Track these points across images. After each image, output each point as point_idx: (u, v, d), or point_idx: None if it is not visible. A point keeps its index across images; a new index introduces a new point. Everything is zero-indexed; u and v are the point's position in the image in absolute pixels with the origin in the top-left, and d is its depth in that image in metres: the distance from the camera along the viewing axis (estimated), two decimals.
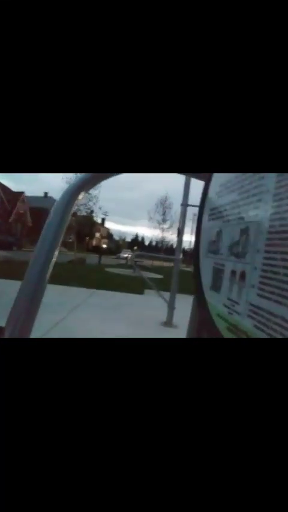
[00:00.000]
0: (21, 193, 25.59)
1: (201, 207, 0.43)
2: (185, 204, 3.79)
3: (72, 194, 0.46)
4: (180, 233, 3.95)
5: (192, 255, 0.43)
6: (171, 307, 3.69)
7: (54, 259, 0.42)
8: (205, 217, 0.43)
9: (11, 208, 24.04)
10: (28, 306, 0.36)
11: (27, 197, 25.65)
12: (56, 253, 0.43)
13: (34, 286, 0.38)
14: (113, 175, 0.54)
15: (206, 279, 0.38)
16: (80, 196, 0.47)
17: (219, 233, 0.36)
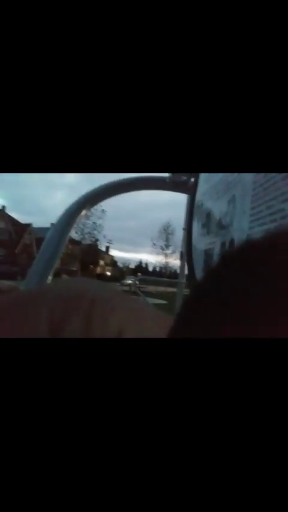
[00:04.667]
0: (29, 224, 26.34)
1: (190, 214, 0.46)
2: (187, 228, 3.82)
3: (70, 215, 0.47)
4: (183, 257, 3.93)
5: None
6: None
7: (48, 280, 0.44)
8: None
9: (18, 239, 24.60)
10: None
11: (34, 228, 26.31)
12: (50, 274, 0.46)
13: None
14: (109, 197, 0.55)
15: (198, 267, 0.40)
16: (82, 214, 0.48)
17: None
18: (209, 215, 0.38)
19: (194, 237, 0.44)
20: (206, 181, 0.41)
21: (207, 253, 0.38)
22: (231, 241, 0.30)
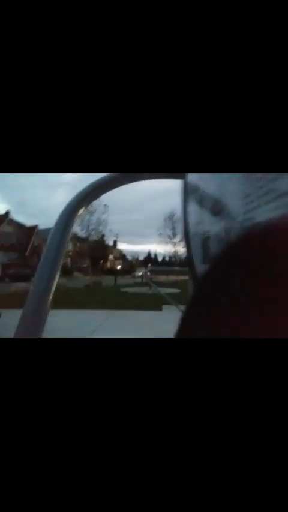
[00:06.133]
0: (35, 226, 26.78)
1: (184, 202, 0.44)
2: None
3: (69, 212, 0.48)
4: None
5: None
6: None
7: (56, 280, 0.45)
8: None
9: (27, 242, 25.11)
10: (30, 330, 0.36)
11: (41, 230, 26.79)
12: (58, 274, 0.46)
13: (37, 308, 0.39)
14: (107, 191, 0.56)
15: (197, 255, 0.39)
16: (80, 211, 0.49)
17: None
18: (201, 202, 0.37)
19: (190, 225, 0.43)
20: (195, 179, 0.40)
21: (204, 243, 0.37)
22: (226, 229, 0.29)
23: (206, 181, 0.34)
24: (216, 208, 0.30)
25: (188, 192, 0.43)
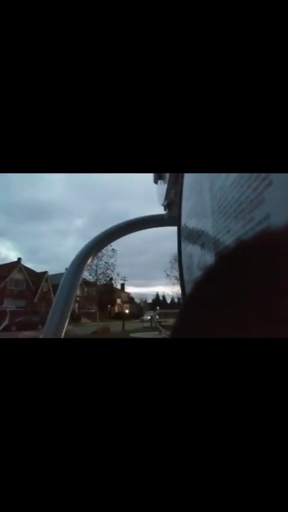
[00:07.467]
0: (45, 272, 27.30)
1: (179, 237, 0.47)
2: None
3: (81, 259, 0.51)
4: None
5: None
6: None
7: (65, 325, 0.46)
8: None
9: (36, 288, 25.31)
10: None
11: (50, 275, 27.20)
12: (67, 319, 0.48)
13: None
14: (117, 238, 0.58)
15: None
16: (88, 261, 0.53)
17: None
18: (191, 257, 0.39)
19: (184, 272, 0.46)
20: (185, 224, 0.42)
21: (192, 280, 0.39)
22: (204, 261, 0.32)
23: (192, 224, 0.37)
24: (200, 267, 0.33)
25: (181, 236, 0.47)
